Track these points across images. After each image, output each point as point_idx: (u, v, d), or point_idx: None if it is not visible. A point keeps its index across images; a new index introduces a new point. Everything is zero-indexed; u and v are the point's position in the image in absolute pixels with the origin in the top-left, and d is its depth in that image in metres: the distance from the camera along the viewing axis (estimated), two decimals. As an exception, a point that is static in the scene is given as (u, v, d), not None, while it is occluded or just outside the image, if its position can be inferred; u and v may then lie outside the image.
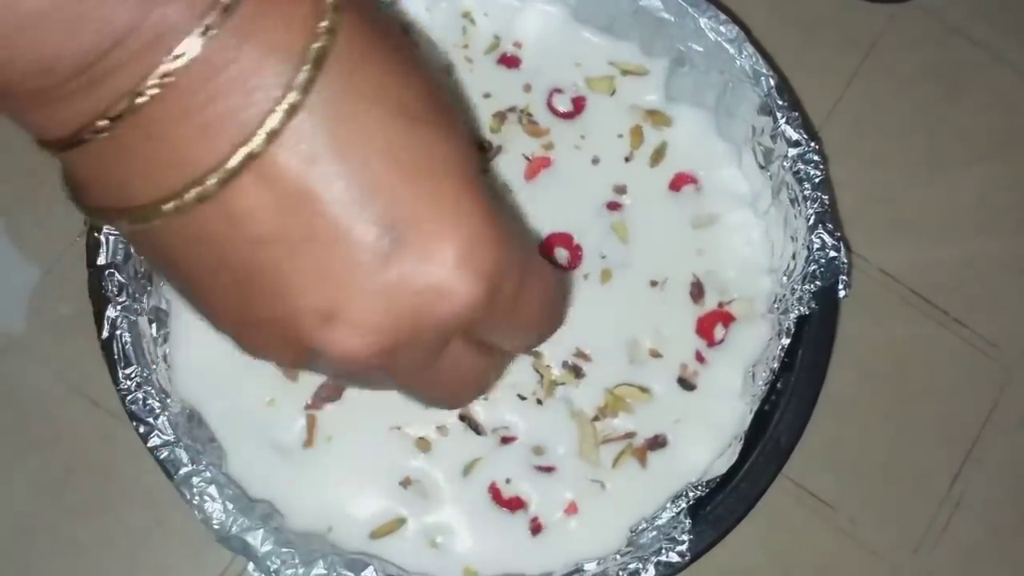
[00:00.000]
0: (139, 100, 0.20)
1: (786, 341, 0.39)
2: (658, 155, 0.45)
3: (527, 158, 0.44)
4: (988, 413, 0.45)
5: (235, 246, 0.22)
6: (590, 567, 0.38)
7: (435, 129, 0.23)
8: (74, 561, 0.42)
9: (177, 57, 0.20)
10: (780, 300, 0.41)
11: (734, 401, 0.41)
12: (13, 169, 0.45)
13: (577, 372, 0.42)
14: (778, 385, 0.40)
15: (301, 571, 0.36)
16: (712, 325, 0.43)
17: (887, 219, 0.48)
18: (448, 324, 0.23)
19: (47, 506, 0.42)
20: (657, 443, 0.41)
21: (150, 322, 0.39)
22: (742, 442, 0.39)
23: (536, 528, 0.40)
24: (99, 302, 0.38)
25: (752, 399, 0.40)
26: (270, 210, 0.21)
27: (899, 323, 0.46)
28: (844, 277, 0.40)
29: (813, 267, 0.40)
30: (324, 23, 0.21)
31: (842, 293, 0.40)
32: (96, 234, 0.39)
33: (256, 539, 0.36)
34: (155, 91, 0.20)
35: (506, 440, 0.41)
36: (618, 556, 0.38)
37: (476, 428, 0.41)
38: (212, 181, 0.21)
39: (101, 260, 0.38)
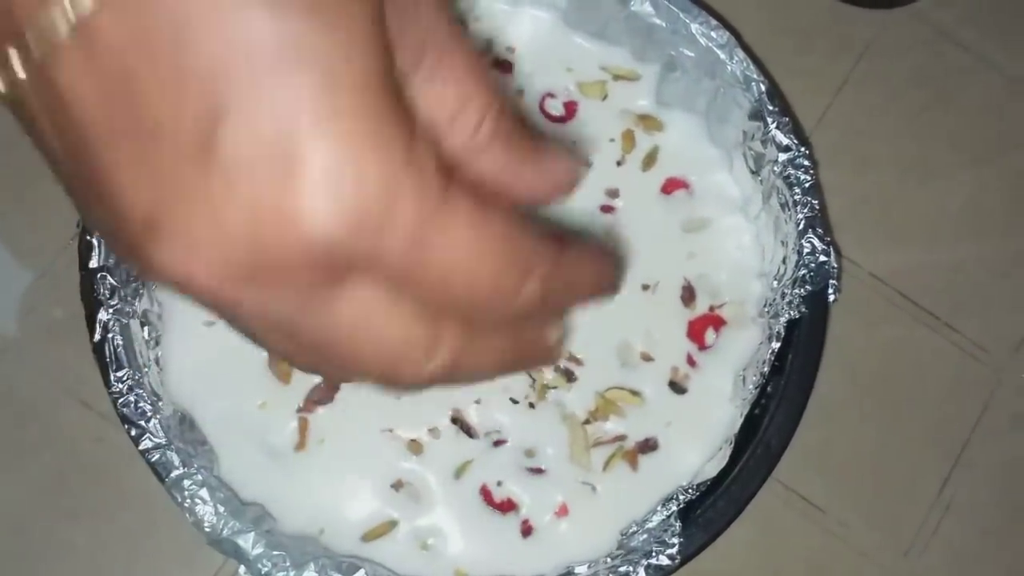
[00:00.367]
0: None
1: (776, 345, 0.39)
2: (650, 159, 0.45)
3: (519, 162, 0.44)
4: (978, 416, 0.46)
5: (62, 127, 0.18)
6: (581, 570, 0.38)
7: (311, 16, 0.17)
8: (65, 564, 0.42)
9: None
10: (770, 304, 0.41)
11: (725, 404, 0.42)
12: (5, 172, 0.45)
13: (569, 376, 0.42)
14: (768, 389, 0.40)
15: (292, 574, 0.36)
16: (703, 329, 0.43)
17: (877, 223, 0.48)
18: (301, 259, 0.18)
19: (38, 508, 0.42)
20: (648, 446, 0.41)
21: (142, 325, 0.39)
22: (732, 445, 0.39)
23: (527, 530, 0.40)
24: (91, 305, 0.38)
25: (742, 403, 0.40)
26: (92, 89, 0.18)
27: (889, 327, 0.47)
28: (834, 281, 0.40)
29: (803, 271, 0.40)
30: None
31: (832, 297, 0.40)
32: (89, 237, 0.39)
33: (247, 542, 0.36)
34: None
35: (498, 443, 0.41)
36: (608, 559, 0.38)
37: (468, 431, 0.41)
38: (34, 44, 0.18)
39: (93, 263, 0.38)
